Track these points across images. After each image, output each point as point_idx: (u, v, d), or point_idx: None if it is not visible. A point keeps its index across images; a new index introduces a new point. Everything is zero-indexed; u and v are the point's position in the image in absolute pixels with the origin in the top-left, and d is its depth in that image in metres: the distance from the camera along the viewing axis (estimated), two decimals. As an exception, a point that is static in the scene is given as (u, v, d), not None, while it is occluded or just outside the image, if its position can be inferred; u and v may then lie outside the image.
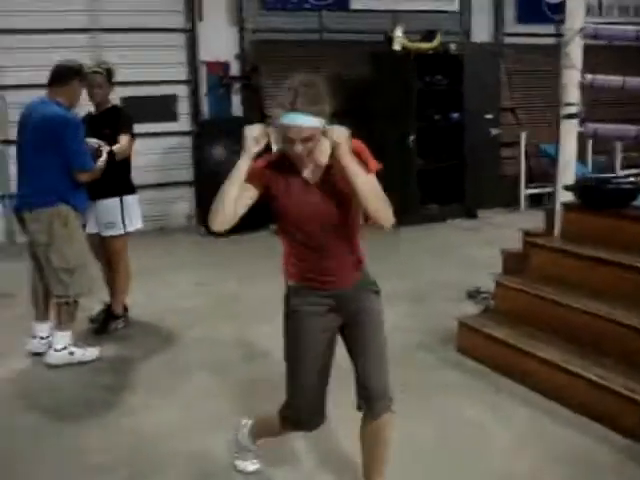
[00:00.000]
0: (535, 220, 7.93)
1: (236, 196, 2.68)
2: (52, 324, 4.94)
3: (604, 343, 4.05)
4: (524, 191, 10.51)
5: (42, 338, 4.96)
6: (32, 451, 3.68)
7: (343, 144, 2.61)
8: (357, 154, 2.69)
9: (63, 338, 4.80)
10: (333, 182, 2.73)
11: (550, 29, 11.86)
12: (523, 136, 10.38)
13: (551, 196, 9.00)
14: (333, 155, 2.67)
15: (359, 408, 2.88)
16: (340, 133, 2.61)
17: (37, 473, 3.49)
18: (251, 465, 3.39)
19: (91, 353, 4.91)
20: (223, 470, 3.44)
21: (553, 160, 10.35)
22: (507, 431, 3.77)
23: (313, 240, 2.78)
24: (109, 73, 5.26)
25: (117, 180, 5.29)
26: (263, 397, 4.14)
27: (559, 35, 12.07)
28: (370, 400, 2.84)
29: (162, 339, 5.35)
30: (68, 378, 4.65)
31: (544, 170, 10.83)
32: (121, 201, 5.36)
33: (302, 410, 2.94)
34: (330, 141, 2.62)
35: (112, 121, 5.27)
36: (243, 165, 2.67)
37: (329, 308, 2.85)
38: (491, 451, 3.57)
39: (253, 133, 2.66)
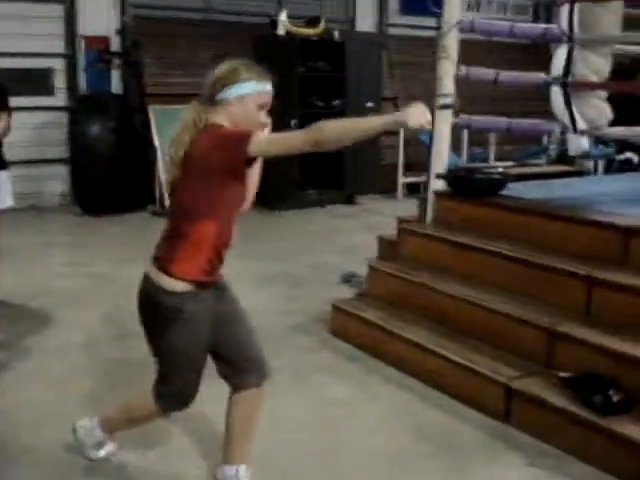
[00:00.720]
0: (412, 208, 8.15)
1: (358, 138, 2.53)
2: None
3: (472, 327, 4.19)
4: (402, 179, 10.74)
5: None
6: None
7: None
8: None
9: None
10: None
11: (432, 22, 12.12)
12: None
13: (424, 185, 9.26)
14: None
15: (235, 382, 2.87)
16: None
17: None
18: (103, 450, 3.23)
19: None
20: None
21: (429, 149, 10.71)
22: (375, 411, 3.86)
23: (232, 225, 2.75)
24: None
25: None
26: (132, 377, 4.11)
27: (435, 28, 12.49)
28: (254, 370, 2.87)
29: (32, 320, 5.18)
30: None
31: (421, 159, 11.12)
32: None
33: (187, 399, 2.88)
34: None
35: None
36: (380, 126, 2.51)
37: (214, 296, 2.79)
38: (358, 429, 3.65)
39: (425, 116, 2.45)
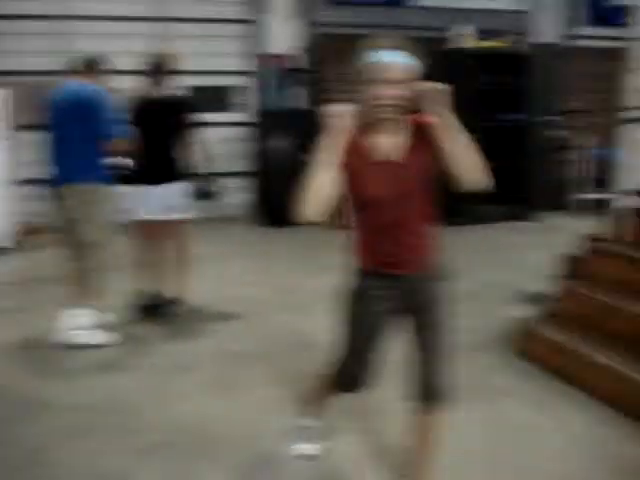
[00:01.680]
0: (592, 225, 7.84)
1: (326, 180, 2.54)
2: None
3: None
4: (581, 195, 10.36)
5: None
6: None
7: (443, 92, 2.48)
8: (430, 127, 2.57)
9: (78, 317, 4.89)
10: (410, 154, 2.62)
11: (619, 32, 11.64)
12: (586, 139, 10.21)
13: (613, 201, 8.85)
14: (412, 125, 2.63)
15: (416, 401, 2.84)
16: (437, 85, 2.49)
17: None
18: (312, 448, 3.35)
19: (102, 338, 4.95)
20: (277, 457, 3.44)
21: (615, 165, 10.26)
22: (566, 438, 3.67)
23: (386, 218, 2.66)
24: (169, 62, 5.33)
25: (181, 164, 5.38)
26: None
27: (621, 39, 11.94)
28: (426, 396, 2.80)
29: (216, 327, 5.42)
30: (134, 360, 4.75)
31: (604, 175, 10.67)
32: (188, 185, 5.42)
33: (349, 375, 2.91)
34: (426, 90, 2.49)
35: (177, 109, 5.30)
36: (329, 145, 2.54)
37: (395, 290, 2.74)
38: (544, 455, 3.51)
39: (337, 111, 2.53)
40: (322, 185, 2.54)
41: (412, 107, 2.55)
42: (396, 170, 2.62)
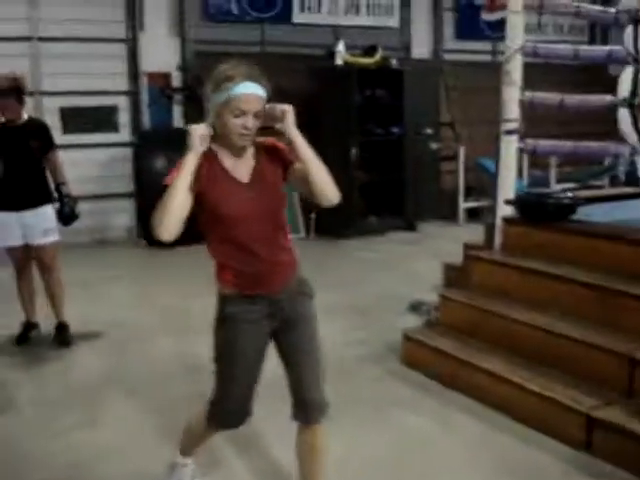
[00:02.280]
0: (474, 233, 8.09)
1: (184, 200, 2.56)
2: None
3: (548, 355, 4.13)
4: (462, 205, 10.70)
5: None
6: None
7: (291, 114, 2.60)
8: (277, 149, 2.73)
9: None
10: (263, 175, 2.70)
11: (488, 46, 12.14)
12: (462, 150, 10.57)
13: (489, 210, 9.18)
14: (259, 148, 2.71)
15: (295, 418, 2.84)
16: (285, 106, 2.61)
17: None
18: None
19: None
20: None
21: (491, 174, 10.67)
22: (456, 444, 3.79)
23: (247, 241, 2.67)
24: (21, 88, 5.16)
25: (48, 187, 5.35)
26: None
27: (496, 52, 12.47)
28: (307, 410, 2.81)
29: (102, 353, 5.27)
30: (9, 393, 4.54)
31: (481, 184, 11.08)
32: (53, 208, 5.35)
33: (232, 412, 2.86)
34: (276, 112, 2.60)
35: (38, 133, 5.24)
36: (190, 164, 2.55)
37: (264, 314, 2.74)
38: (441, 464, 3.59)
39: (199, 131, 2.56)
40: (177, 205, 2.54)
41: (262, 125, 2.62)
42: (251, 190, 2.66)
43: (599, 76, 12.46)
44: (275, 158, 2.73)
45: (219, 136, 2.63)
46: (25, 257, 5.36)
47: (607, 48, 5.31)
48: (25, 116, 5.24)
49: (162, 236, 2.56)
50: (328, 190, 2.69)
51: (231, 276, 2.73)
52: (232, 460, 3.56)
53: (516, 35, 5.21)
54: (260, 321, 2.75)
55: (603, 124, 11.63)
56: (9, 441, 3.85)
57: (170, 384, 4.66)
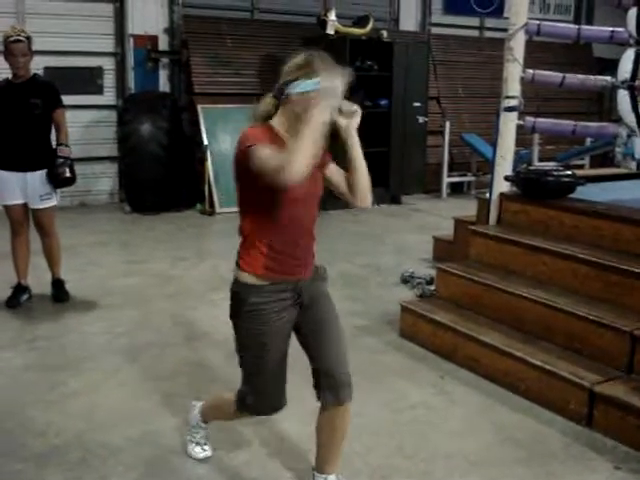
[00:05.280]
0: (457, 207, 8.18)
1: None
2: None
3: (547, 329, 4.20)
4: (446, 179, 10.75)
5: None
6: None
7: (359, 115, 2.65)
8: None
9: None
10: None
11: (475, 22, 12.16)
12: (447, 125, 10.59)
13: (479, 185, 9.22)
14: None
15: (323, 398, 2.82)
16: (356, 106, 2.66)
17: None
18: (202, 452, 3.32)
19: None
20: (172, 454, 3.36)
21: (474, 150, 10.73)
22: (454, 414, 3.86)
23: (298, 222, 2.69)
24: (30, 41, 5.08)
25: (51, 151, 5.25)
26: (207, 378, 4.19)
27: (483, 28, 12.50)
28: (336, 388, 2.80)
29: (100, 320, 5.22)
30: (5, 358, 4.50)
31: (464, 159, 11.15)
32: None
33: (267, 401, 2.87)
34: (351, 109, 2.64)
35: (41, 91, 5.15)
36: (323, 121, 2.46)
37: (289, 303, 2.73)
38: (440, 433, 3.65)
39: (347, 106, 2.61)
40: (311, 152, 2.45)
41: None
42: (309, 174, 2.59)
43: (583, 56, 12.63)
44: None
45: (289, 123, 2.63)
46: (23, 217, 5.31)
47: (609, 29, 5.30)
48: (31, 73, 5.15)
49: (293, 177, 2.41)
50: (368, 195, 2.76)
51: (265, 259, 2.67)
52: (250, 438, 3.55)
53: (520, 12, 5.21)
54: (286, 310, 2.73)
55: (584, 103, 11.88)
56: (10, 409, 3.80)
57: (169, 351, 4.65)
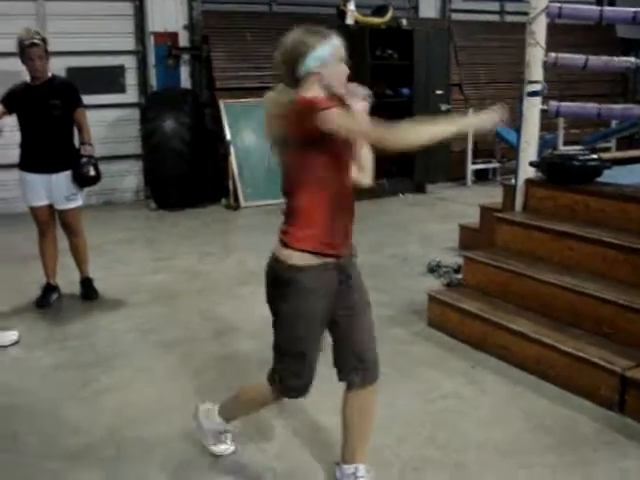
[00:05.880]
0: (482, 195, 8.13)
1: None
2: None
3: (575, 315, 4.16)
4: (471, 167, 10.68)
5: None
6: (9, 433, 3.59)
7: (370, 99, 2.82)
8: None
9: None
10: None
11: (495, 6, 12.04)
12: (470, 112, 10.49)
13: (504, 172, 9.13)
14: None
15: (348, 379, 2.83)
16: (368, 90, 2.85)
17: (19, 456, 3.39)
18: (228, 447, 3.30)
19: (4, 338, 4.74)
20: (206, 450, 3.33)
21: (499, 136, 10.63)
22: (487, 402, 3.84)
23: (346, 191, 2.71)
24: (45, 42, 5.08)
25: (74, 151, 5.30)
26: (237, 373, 4.15)
27: (504, 12, 12.38)
28: (366, 369, 2.81)
29: (130, 317, 5.26)
30: (36, 357, 4.55)
31: (489, 146, 11.05)
32: None
33: (302, 380, 2.81)
34: (360, 92, 2.80)
35: (59, 92, 5.16)
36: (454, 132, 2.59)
37: (338, 278, 2.71)
38: (471, 422, 3.63)
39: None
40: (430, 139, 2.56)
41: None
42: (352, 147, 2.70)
43: (606, 37, 12.46)
44: None
45: (328, 88, 2.66)
46: (49, 218, 5.35)
47: (632, 9, 5.21)
48: (49, 74, 5.17)
49: (400, 143, 2.58)
50: (369, 173, 2.87)
51: (318, 230, 2.63)
52: (273, 422, 3.57)
53: (541, -5, 5.14)
54: (331, 289, 2.70)
55: (608, 85, 11.71)
56: (41, 407, 3.84)
57: (198, 346, 4.67)
